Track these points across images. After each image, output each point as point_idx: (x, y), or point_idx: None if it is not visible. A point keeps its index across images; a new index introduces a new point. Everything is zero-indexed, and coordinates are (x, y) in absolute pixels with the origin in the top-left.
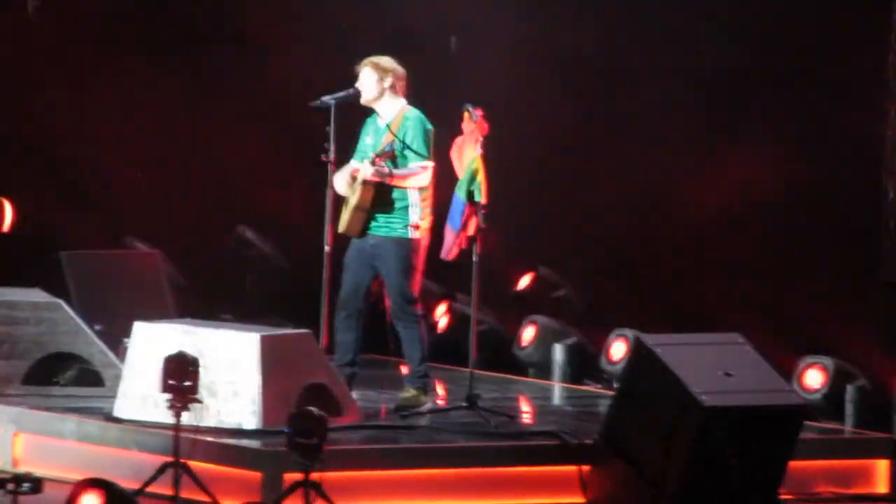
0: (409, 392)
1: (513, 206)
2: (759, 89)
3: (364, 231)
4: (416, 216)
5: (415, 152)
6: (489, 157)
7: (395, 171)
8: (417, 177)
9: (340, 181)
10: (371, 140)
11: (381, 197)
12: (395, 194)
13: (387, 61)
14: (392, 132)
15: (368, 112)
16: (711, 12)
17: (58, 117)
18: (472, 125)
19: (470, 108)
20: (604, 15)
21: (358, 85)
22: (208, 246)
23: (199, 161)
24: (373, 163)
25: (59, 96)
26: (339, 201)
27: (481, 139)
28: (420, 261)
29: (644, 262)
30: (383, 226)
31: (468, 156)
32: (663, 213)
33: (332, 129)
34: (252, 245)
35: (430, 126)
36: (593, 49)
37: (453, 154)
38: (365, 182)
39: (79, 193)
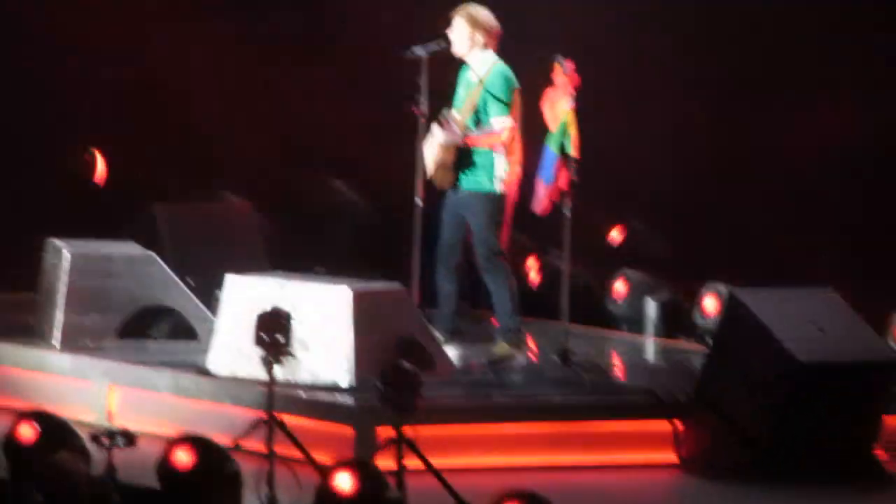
0: (501, 346)
1: (604, 159)
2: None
3: (453, 183)
4: (500, 168)
5: (497, 109)
6: (581, 109)
7: (470, 133)
8: (493, 136)
9: (430, 148)
10: (463, 92)
11: (463, 153)
12: (478, 149)
13: (482, 15)
14: (479, 89)
15: (461, 61)
16: None
17: (152, 70)
18: (564, 77)
19: (561, 60)
20: None
21: (449, 33)
22: (300, 198)
23: (291, 114)
24: (441, 126)
25: (154, 49)
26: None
27: (573, 92)
28: (505, 213)
29: (737, 215)
30: (470, 178)
31: (560, 108)
32: (757, 164)
33: (423, 79)
34: (344, 196)
35: (516, 84)
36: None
37: (544, 106)
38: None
39: (172, 146)
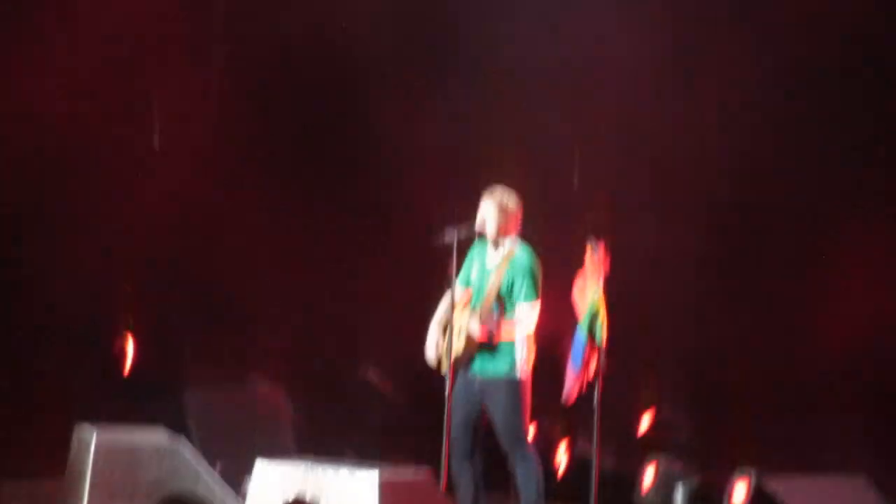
0: None
1: (633, 345)
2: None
3: (469, 365)
4: (521, 354)
5: (524, 294)
6: (609, 294)
7: (500, 332)
8: (524, 324)
9: (433, 335)
10: (476, 273)
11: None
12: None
13: (513, 203)
14: (501, 273)
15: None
16: None
17: (186, 256)
18: (595, 261)
19: (594, 243)
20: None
21: (480, 215)
22: (333, 382)
23: (327, 296)
24: (481, 320)
25: (187, 232)
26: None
27: (603, 276)
28: (528, 398)
29: (766, 401)
30: (489, 366)
31: (590, 294)
32: (786, 349)
33: (453, 263)
34: (376, 385)
35: (537, 266)
36: (720, 192)
37: (575, 293)
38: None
39: (204, 326)
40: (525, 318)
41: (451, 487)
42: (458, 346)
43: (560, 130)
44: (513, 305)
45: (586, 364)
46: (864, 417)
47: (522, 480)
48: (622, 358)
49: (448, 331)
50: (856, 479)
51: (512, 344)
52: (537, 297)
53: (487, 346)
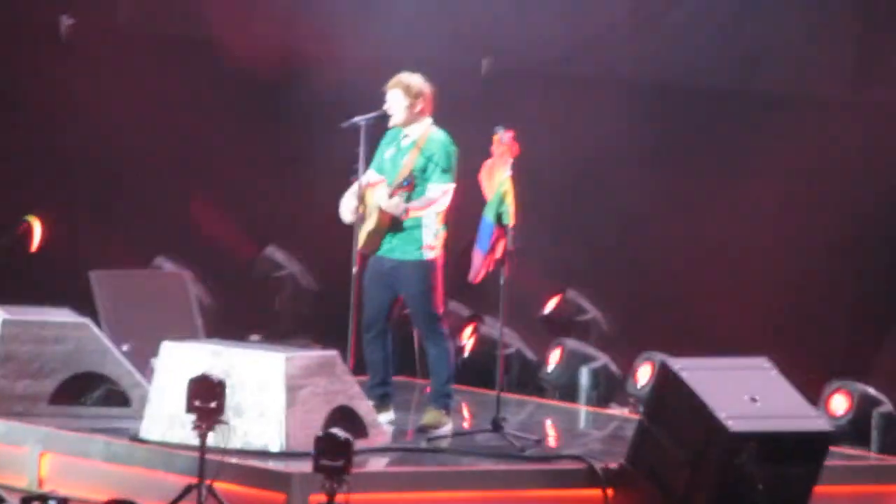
0: (431, 413)
1: (541, 228)
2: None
3: (377, 249)
4: (430, 236)
5: (438, 175)
6: (519, 178)
7: (412, 204)
8: (436, 203)
9: (349, 200)
10: (390, 155)
11: (395, 220)
12: (409, 217)
13: (417, 83)
14: (415, 153)
15: (385, 129)
16: None
17: (87, 134)
18: (503, 147)
19: (500, 131)
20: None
21: (386, 106)
22: (237, 267)
23: (230, 181)
24: (390, 195)
25: (88, 113)
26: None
27: (511, 161)
28: (439, 279)
29: (670, 284)
30: (398, 249)
31: (498, 178)
32: (688, 233)
33: (361, 149)
34: (281, 266)
35: (454, 147)
36: (628, 70)
37: (482, 177)
38: (382, 209)
39: (108, 213)
40: (437, 198)
41: (358, 369)
42: (369, 225)
43: None
44: (425, 186)
45: (493, 245)
46: (766, 303)
47: (434, 360)
48: (530, 239)
49: (356, 209)
50: (757, 360)
51: (419, 224)
52: (451, 180)
53: (398, 226)
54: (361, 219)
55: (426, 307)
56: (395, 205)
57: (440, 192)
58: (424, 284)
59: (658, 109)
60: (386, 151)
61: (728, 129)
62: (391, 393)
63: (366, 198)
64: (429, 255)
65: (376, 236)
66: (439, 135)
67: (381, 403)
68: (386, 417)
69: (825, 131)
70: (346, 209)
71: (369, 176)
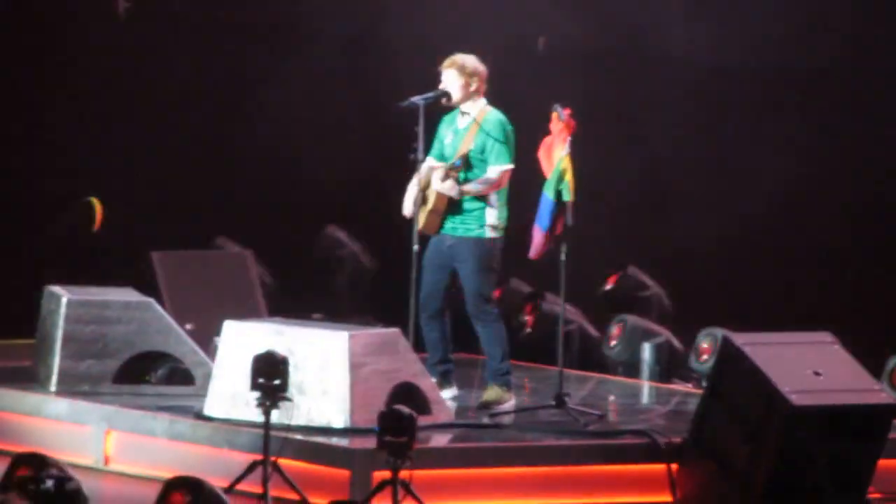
0: (492, 390)
1: (602, 205)
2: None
3: (440, 229)
4: (492, 216)
5: (496, 156)
6: (578, 155)
7: (467, 187)
8: (495, 184)
9: (412, 191)
10: (450, 140)
11: (452, 201)
12: (471, 197)
13: (471, 62)
14: (473, 132)
15: (447, 109)
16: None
17: (149, 117)
18: (560, 125)
19: (558, 108)
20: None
21: (442, 86)
22: (300, 246)
23: (293, 162)
24: (446, 176)
25: (152, 96)
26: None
27: (569, 138)
28: (497, 260)
29: (734, 260)
30: (459, 226)
31: (556, 155)
32: (749, 210)
33: (420, 129)
34: (343, 244)
35: (510, 127)
36: (685, 50)
37: (541, 154)
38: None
39: (171, 193)
40: (496, 179)
41: (418, 347)
42: (428, 206)
43: None
44: (483, 167)
45: (553, 222)
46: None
47: (485, 341)
48: (593, 217)
49: (418, 191)
50: (820, 334)
51: (483, 205)
52: (510, 160)
53: (457, 207)
54: (422, 201)
55: (477, 286)
56: (449, 187)
57: (498, 172)
58: (480, 263)
59: (714, 87)
60: (445, 137)
61: (784, 106)
62: (452, 370)
63: (427, 181)
64: (489, 234)
65: (434, 216)
66: (496, 115)
67: (444, 380)
68: (449, 393)
69: (883, 99)
70: (409, 201)
71: (430, 163)
